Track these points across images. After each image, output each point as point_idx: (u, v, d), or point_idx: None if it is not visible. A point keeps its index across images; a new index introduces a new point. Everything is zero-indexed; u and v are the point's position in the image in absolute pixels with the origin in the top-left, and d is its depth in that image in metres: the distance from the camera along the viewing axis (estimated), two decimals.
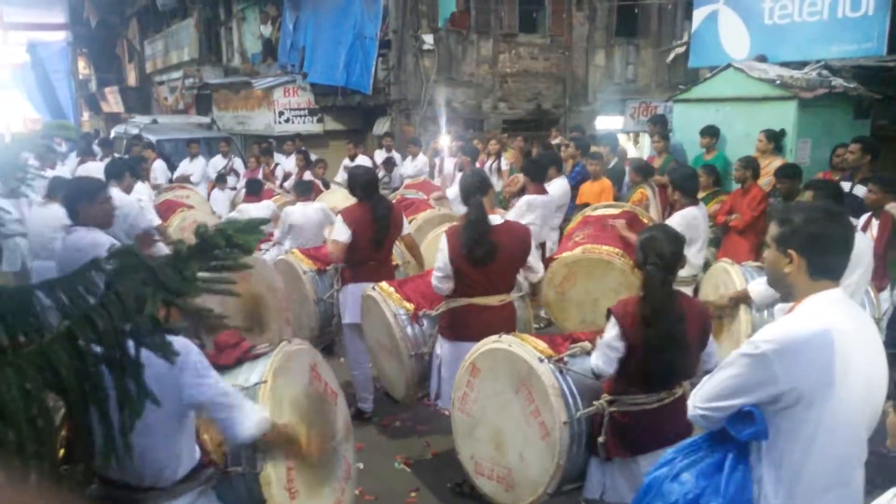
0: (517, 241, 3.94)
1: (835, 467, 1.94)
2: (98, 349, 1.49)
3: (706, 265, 5.33)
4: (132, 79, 26.80)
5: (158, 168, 10.96)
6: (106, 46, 28.64)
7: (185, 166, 11.40)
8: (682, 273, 3.72)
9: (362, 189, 4.86)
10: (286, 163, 11.14)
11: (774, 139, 7.41)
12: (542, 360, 3.14)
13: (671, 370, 2.94)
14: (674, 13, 15.47)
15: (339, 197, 8.19)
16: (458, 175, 7.16)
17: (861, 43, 8.27)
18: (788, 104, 7.72)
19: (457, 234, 3.87)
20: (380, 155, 11.21)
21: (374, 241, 4.83)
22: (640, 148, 13.75)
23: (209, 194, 10.35)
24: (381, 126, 13.82)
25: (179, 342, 2.08)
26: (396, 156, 11.17)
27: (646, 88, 15.84)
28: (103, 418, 1.51)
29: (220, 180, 10.44)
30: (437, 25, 13.76)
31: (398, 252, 5.55)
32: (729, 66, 8.55)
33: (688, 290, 4.82)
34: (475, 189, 3.91)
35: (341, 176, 10.15)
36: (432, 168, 10.48)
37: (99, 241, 4.01)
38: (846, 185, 5.83)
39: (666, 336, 2.84)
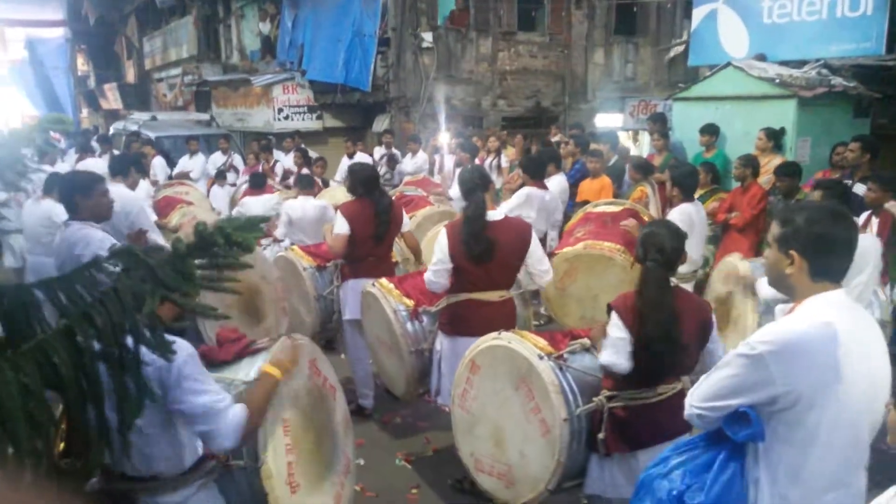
0: (517, 236, 3.93)
1: (834, 469, 1.93)
2: (97, 346, 1.49)
3: (705, 263, 5.35)
4: (131, 75, 26.76)
5: (158, 165, 10.95)
6: (104, 43, 28.59)
7: (184, 163, 11.40)
8: (682, 269, 3.73)
9: (363, 185, 4.85)
10: (285, 160, 11.13)
11: (774, 137, 7.42)
12: (541, 357, 3.13)
13: (663, 365, 2.94)
14: (673, 12, 15.49)
15: (339, 194, 8.18)
16: (458, 171, 7.15)
17: (860, 42, 8.28)
18: (788, 103, 7.73)
19: (457, 230, 3.87)
20: (379, 152, 11.20)
21: (374, 237, 4.83)
22: (640, 146, 13.77)
23: (209, 191, 10.35)
24: (380, 123, 13.82)
25: (179, 346, 2.08)
26: (397, 153, 11.17)
27: (645, 86, 15.86)
28: (101, 415, 1.51)
29: (220, 177, 10.45)
30: (436, 23, 13.77)
31: (398, 249, 5.54)
32: (728, 64, 8.55)
33: (688, 287, 4.83)
34: (475, 185, 3.90)
35: (341, 175, 10.13)
36: (432, 165, 10.48)
37: (91, 235, 4.00)
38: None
39: (660, 331, 2.84)
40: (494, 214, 3.91)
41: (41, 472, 1.41)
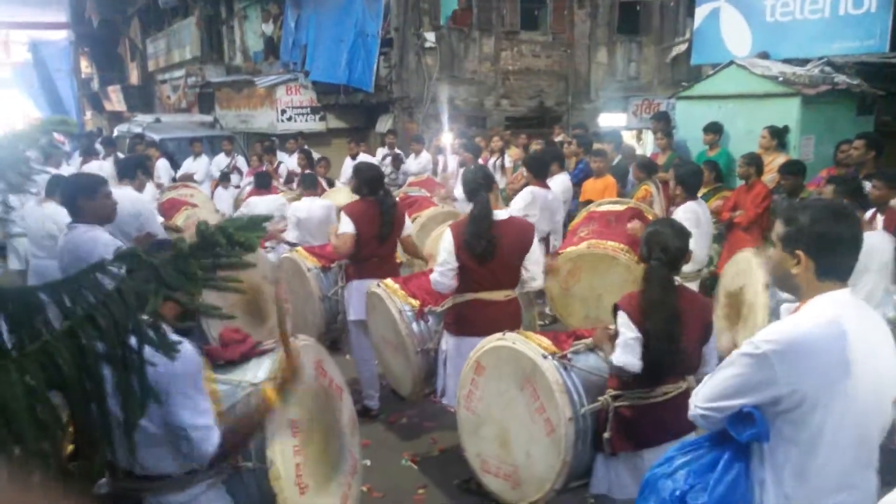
0: (519, 236, 3.94)
1: (841, 469, 1.91)
2: (101, 347, 1.49)
3: (710, 261, 5.33)
4: (134, 77, 26.82)
5: (162, 167, 10.95)
6: (108, 45, 28.66)
7: (188, 165, 11.40)
8: (687, 268, 3.72)
9: (367, 185, 4.86)
10: (289, 161, 11.13)
11: (778, 136, 7.40)
12: (546, 357, 3.13)
13: (665, 364, 2.93)
14: (675, 10, 15.47)
15: (341, 196, 8.18)
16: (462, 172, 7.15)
17: (863, 40, 8.25)
18: (791, 101, 7.72)
19: (461, 230, 3.87)
20: (382, 153, 11.20)
21: (378, 237, 4.83)
22: (644, 145, 13.75)
23: (213, 193, 10.36)
24: (383, 124, 13.83)
25: (184, 356, 2.05)
26: (401, 153, 11.16)
27: (648, 85, 15.84)
28: (104, 415, 1.51)
29: (224, 179, 10.45)
30: (438, 23, 13.76)
31: (401, 250, 5.54)
32: (731, 63, 8.55)
33: (693, 286, 4.82)
34: (479, 185, 3.91)
35: (346, 176, 10.12)
36: (435, 165, 10.48)
37: (99, 238, 3.96)
38: None
39: (663, 330, 2.83)
40: (500, 214, 3.92)
41: (49, 474, 1.41)
